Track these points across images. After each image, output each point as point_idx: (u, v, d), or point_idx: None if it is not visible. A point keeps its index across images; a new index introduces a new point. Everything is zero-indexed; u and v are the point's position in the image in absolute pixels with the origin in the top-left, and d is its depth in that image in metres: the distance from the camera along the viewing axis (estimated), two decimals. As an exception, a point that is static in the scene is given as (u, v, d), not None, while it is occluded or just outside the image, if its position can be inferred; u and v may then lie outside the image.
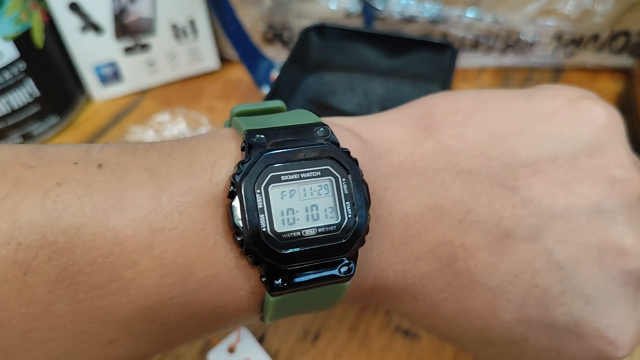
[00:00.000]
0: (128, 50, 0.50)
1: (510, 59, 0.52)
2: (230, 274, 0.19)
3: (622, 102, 0.48)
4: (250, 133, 0.20)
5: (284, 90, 0.40)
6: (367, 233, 0.20)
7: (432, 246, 0.22)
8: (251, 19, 0.51)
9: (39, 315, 0.18)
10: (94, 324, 0.18)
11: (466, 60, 0.53)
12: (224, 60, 0.55)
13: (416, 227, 0.22)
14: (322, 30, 0.43)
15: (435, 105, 0.24)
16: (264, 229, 0.19)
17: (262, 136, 0.20)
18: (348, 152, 0.21)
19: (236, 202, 0.19)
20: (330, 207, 0.20)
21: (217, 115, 0.50)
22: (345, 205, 0.20)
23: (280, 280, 0.19)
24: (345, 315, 0.35)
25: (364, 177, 0.21)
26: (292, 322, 0.34)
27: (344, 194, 0.20)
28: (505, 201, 0.21)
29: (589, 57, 0.52)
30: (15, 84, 0.44)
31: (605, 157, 0.22)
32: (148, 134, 0.47)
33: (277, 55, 0.53)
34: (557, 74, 0.53)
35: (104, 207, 0.18)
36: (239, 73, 0.54)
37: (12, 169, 0.18)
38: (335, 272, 0.20)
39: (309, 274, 0.20)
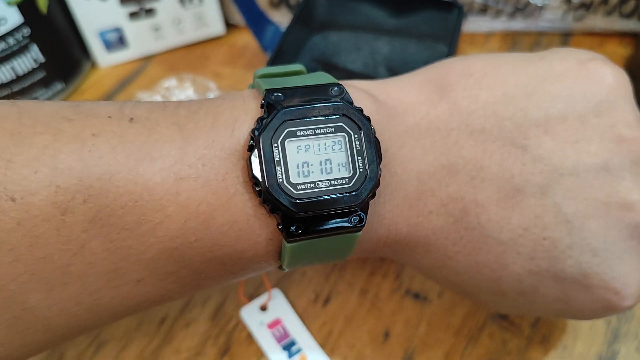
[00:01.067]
0: (133, 15, 0.49)
1: (518, 23, 0.52)
2: (249, 221, 0.21)
3: (630, 66, 0.47)
4: (269, 92, 0.21)
5: (290, 50, 0.40)
6: (377, 186, 0.21)
7: (445, 201, 0.23)
8: (257, -17, 0.50)
9: (76, 252, 0.19)
10: (125, 263, 0.20)
11: (474, 25, 0.52)
12: (229, 25, 0.54)
13: (429, 184, 0.23)
14: (328, -10, 0.43)
15: (450, 68, 0.25)
16: (280, 180, 0.20)
17: (280, 95, 0.21)
18: (361, 110, 0.22)
19: (255, 155, 0.20)
20: (343, 162, 0.21)
21: (224, 81, 0.50)
22: (357, 160, 0.21)
23: (295, 227, 0.21)
24: (355, 279, 0.35)
25: (377, 135, 0.22)
26: (303, 286, 0.35)
27: (356, 150, 0.21)
28: (516, 159, 0.22)
29: (598, 21, 0.51)
30: (20, 49, 0.44)
31: (613, 116, 0.23)
32: (155, 100, 0.46)
33: (284, 19, 0.52)
34: (565, 38, 0.52)
35: (135, 157, 0.20)
36: (245, 38, 0.53)
37: (54, 121, 0.20)
38: (347, 221, 0.21)
39: (322, 223, 0.21)
